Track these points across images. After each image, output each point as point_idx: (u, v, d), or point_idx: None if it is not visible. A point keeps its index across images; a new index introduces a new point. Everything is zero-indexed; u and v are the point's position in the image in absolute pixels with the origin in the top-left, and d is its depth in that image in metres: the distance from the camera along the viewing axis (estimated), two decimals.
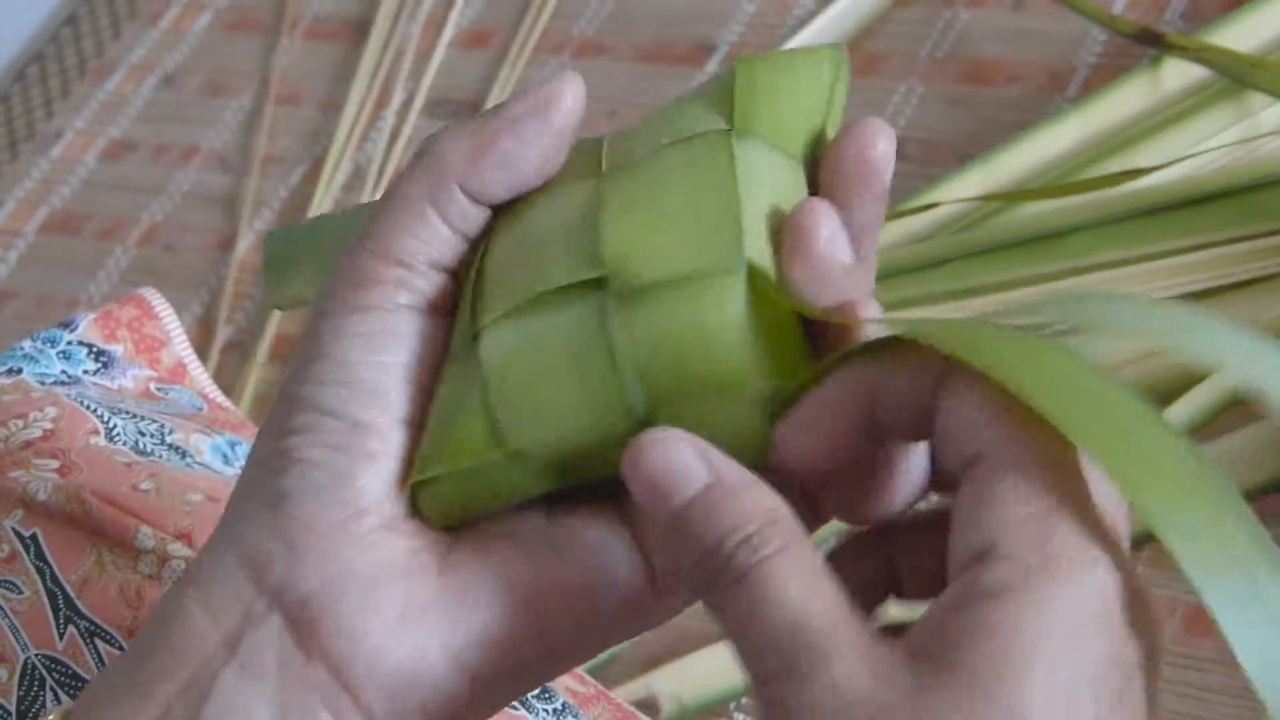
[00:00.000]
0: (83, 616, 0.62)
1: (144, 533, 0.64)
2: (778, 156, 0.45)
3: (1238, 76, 1.04)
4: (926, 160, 1.17)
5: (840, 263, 0.43)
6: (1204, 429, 0.94)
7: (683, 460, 0.41)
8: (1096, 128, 1.09)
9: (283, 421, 0.45)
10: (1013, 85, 1.19)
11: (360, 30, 1.42)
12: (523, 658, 0.45)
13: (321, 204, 1.30)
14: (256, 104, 1.41)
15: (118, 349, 0.78)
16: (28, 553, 0.64)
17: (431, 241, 0.46)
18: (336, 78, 1.40)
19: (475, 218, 0.46)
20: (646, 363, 0.43)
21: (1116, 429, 0.38)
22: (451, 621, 0.44)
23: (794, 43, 1.23)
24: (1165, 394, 0.95)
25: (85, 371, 0.76)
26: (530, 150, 0.46)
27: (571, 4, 1.38)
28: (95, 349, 0.77)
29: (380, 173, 1.31)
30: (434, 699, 0.44)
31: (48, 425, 0.68)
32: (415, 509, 0.45)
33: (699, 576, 0.40)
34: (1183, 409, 0.94)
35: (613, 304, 0.43)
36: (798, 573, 0.39)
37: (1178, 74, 1.09)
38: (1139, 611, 0.38)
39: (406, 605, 0.44)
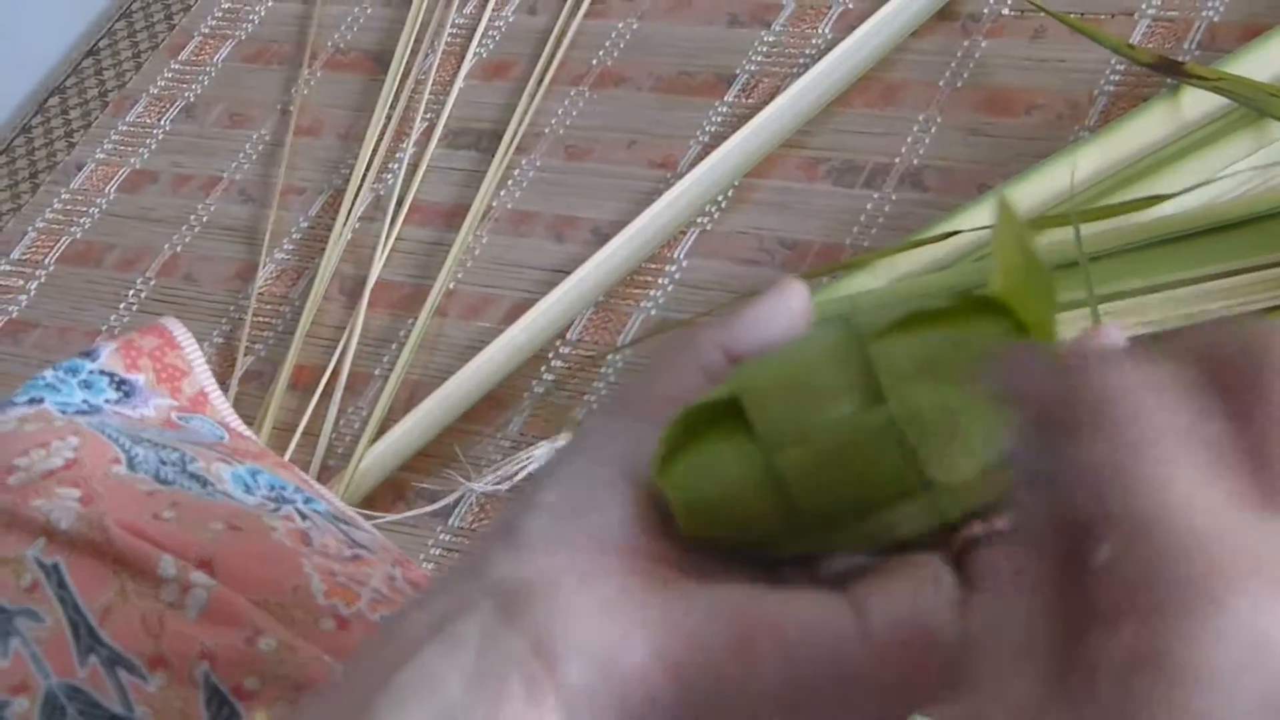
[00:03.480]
0: (104, 645, 0.62)
1: (166, 561, 0.64)
2: None
3: (1256, 105, 1.04)
4: (945, 189, 1.17)
5: None
6: None
7: None
8: (1115, 157, 1.09)
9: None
10: (1031, 114, 1.19)
11: (380, 61, 1.43)
12: (726, 678, 0.45)
13: (342, 234, 1.30)
14: (277, 135, 1.41)
15: (139, 378, 0.78)
16: (49, 581, 0.64)
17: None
18: (356, 108, 1.41)
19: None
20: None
21: None
22: (661, 616, 0.45)
23: (814, 72, 1.23)
24: None
25: (107, 400, 0.76)
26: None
27: (591, 35, 1.38)
28: (117, 378, 0.77)
29: (400, 202, 1.31)
30: (632, 691, 0.44)
31: (69, 454, 0.68)
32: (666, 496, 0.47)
33: None
34: None
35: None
36: None
37: (1196, 103, 1.09)
38: None
39: (620, 592, 0.45)
